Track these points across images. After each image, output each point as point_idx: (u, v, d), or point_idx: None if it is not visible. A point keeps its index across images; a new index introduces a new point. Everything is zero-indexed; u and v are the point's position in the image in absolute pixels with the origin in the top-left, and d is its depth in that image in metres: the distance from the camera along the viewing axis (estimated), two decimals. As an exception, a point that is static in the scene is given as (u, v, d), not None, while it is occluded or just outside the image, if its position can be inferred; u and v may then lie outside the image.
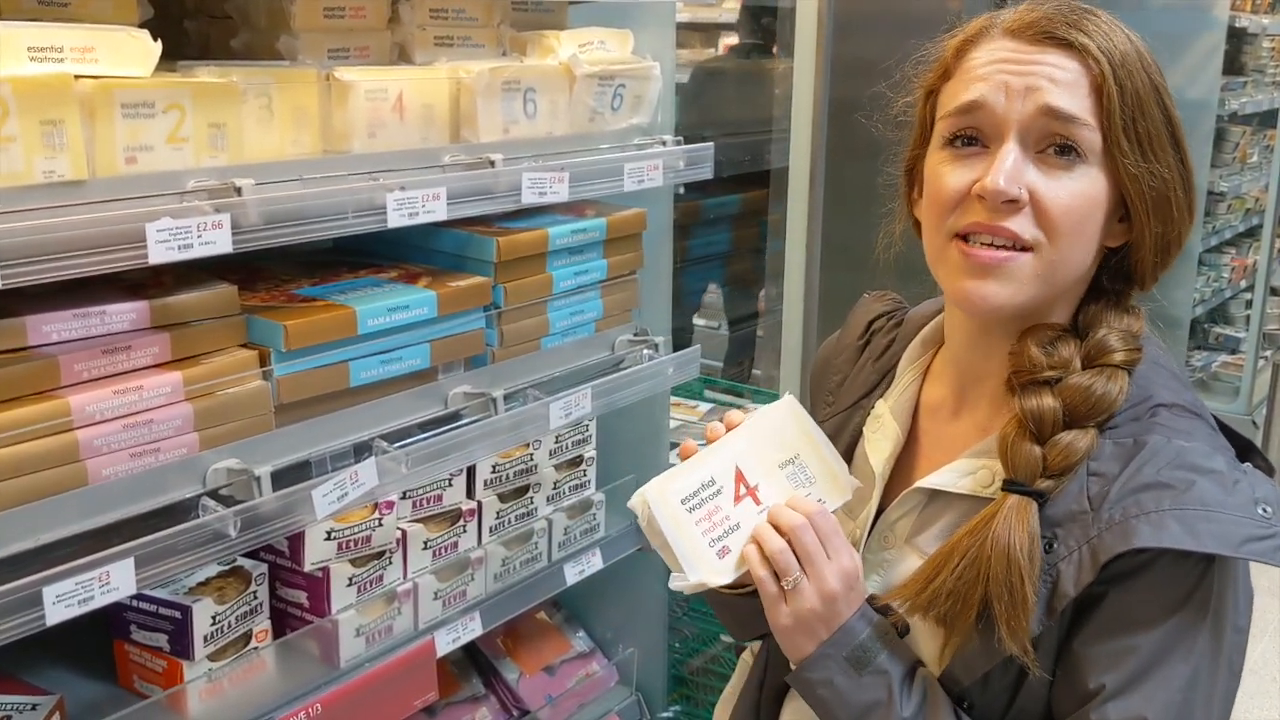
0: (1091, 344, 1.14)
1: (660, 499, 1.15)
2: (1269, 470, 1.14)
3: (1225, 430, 1.19)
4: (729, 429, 1.21)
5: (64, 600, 1.33)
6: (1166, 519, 1.04)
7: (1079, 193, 1.08)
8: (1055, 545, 1.09)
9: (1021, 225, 1.08)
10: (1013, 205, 1.07)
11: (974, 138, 1.11)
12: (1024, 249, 1.09)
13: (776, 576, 1.13)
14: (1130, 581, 1.07)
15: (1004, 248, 1.09)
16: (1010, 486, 1.11)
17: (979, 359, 1.22)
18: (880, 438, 1.29)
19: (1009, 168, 1.07)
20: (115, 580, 1.37)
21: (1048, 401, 1.11)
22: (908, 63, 1.22)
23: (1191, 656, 1.06)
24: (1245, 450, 1.17)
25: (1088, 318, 1.17)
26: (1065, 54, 1.08)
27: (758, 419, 1.21)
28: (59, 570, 1.32)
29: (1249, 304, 5.58)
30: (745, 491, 1.18)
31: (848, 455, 1.33)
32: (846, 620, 1.13)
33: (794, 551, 1.12)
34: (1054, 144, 1.08)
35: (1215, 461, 1.09)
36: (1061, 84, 1.07)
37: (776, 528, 1.14)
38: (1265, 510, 1.05)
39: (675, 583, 1.16)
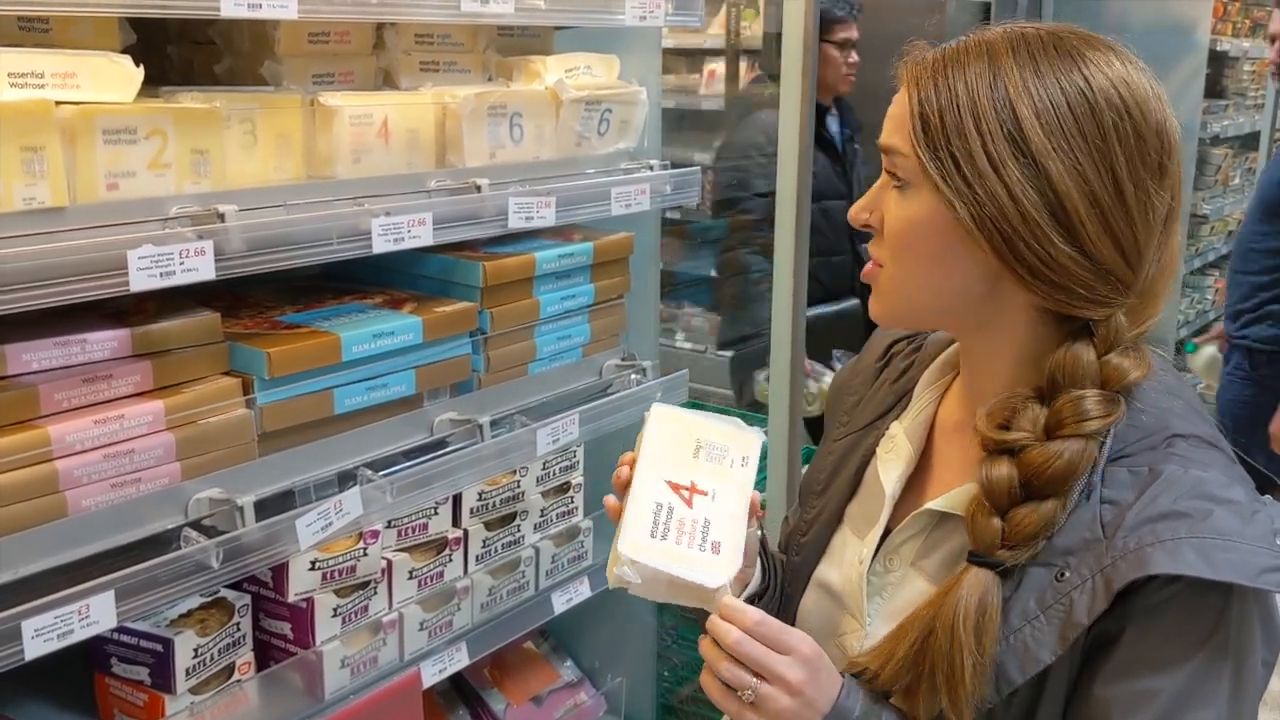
0: (1064, 405, 1.11)
1: (635, 549, 1.16)
2: None
3: (1244, 465, 1.17)
4: (631, 464, 1.25)
5: (43, 634, 1.31)
6: (1183, 547, 1.02)
7: (904, 215, 1.14)
8: (1067, 574, 1.07)
9: (874, 247, 1.20)
10: (870, 229, 1.19)
11: None
12: (880, 266, 1.19)
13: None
14: (1148, 619, 1.05)
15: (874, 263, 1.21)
16: (972, 558, 1.11)
17: (984, 384, 1.21)
18: (893, 457, 1.29)
19: (863, 199, 1.20)
20: (95, 613, 1.35)
21: (1003, 472, 1.10)
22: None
23: (1215, 701, 1.04)
24: (1265, 486, 1.16)
25: (1055, 369, 1.12)
26: (902, 92, 1.16)
27: (649, 437, 1.26)
28: (38, 604, 1.30)
29: (1233, 325, 5.59)
30: (689, 493, 1.22)
31: (859, 475, 1.33)
32: (837, 702, 1.12)
33: (744, 663, 1.11)
34: (889, 172, 1.16)
35: (1233, 492, 1.07)
36: (892, 118, 1.16)
37: (723, 645, 1.12)
38: None
39: (717, 588, 1.16)
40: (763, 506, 1.33)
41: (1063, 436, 1.09)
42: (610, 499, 1.27)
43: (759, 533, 1.33)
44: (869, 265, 1.20)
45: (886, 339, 1.44)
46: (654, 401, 2.10)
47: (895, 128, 1.14)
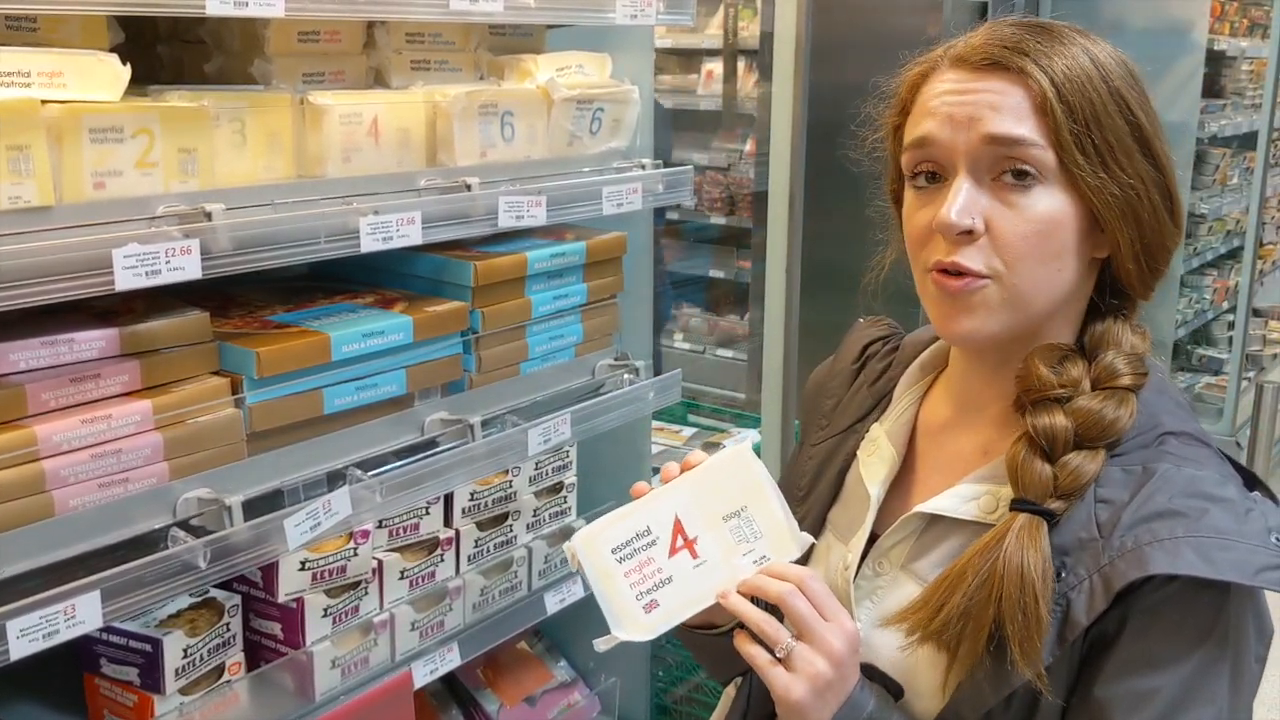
0: (1101, 366, 1.12)
1: (589, 548, 1.12)
2: (1275, 500, 1.13)
3: (1229, 462, 1.17)
4: (684, 470, 1.18)
5: (28, 634, 1.30)
6: (1181, 546, 1.02)
7: (1035, 216, 1.07)
8: (1064, 574, 1.06)
9: (977, 257, 1.08)
10: (968, 237, 1.08)
11: (934, 172, 1.12)
12: (985, 276, 1.09)
13: (769, 649, 1.10)
14: (1146, 619, 1.05)
15: (970, 275, 1.09)
16: (1020, 505, 1.09)
17: (981, 383, 1.20)
18: (876, 460, 1.27)
19: (959, 201, 1.07)
20: (81, 613, 1.34)
21: (1060, 420, 1.09)
22: (869, 101, 1.22)
23: (1215, 698, 1.04)
24: (1250, 482, 1.16)
25: (1094, 337, 1.15)
26: (1005, 78, 1.08)
27: (707, 467, 1.17)
28: (23, 604, 1.30)
29: (1231, 325, 5.60)
30: (683, 543, 1.13)
31: (840, 479, 1.31)
32: (851, 695, 1.10)
33: (788, 618, 1.10)
34: (1007, 169, 1.07)
35: (1227, 490, 1.07)
36: (1003, 109, 1.07)
37: (765, 597, 1.11)
38: (1278, 539, 1.04)
39: (599, 643, 1.13)
40: None
41: (1110, 389, 1.11)
42: (641, 484, 1.20)
43: None
44: (962, 280, 1.08)
45: (862, 340, 1.42)
46: (647, 397, 2.11)
47: (1014, 116, 1.06)
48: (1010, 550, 1.05)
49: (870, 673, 1.16)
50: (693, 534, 1.14)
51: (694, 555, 1.14)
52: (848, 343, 1.44)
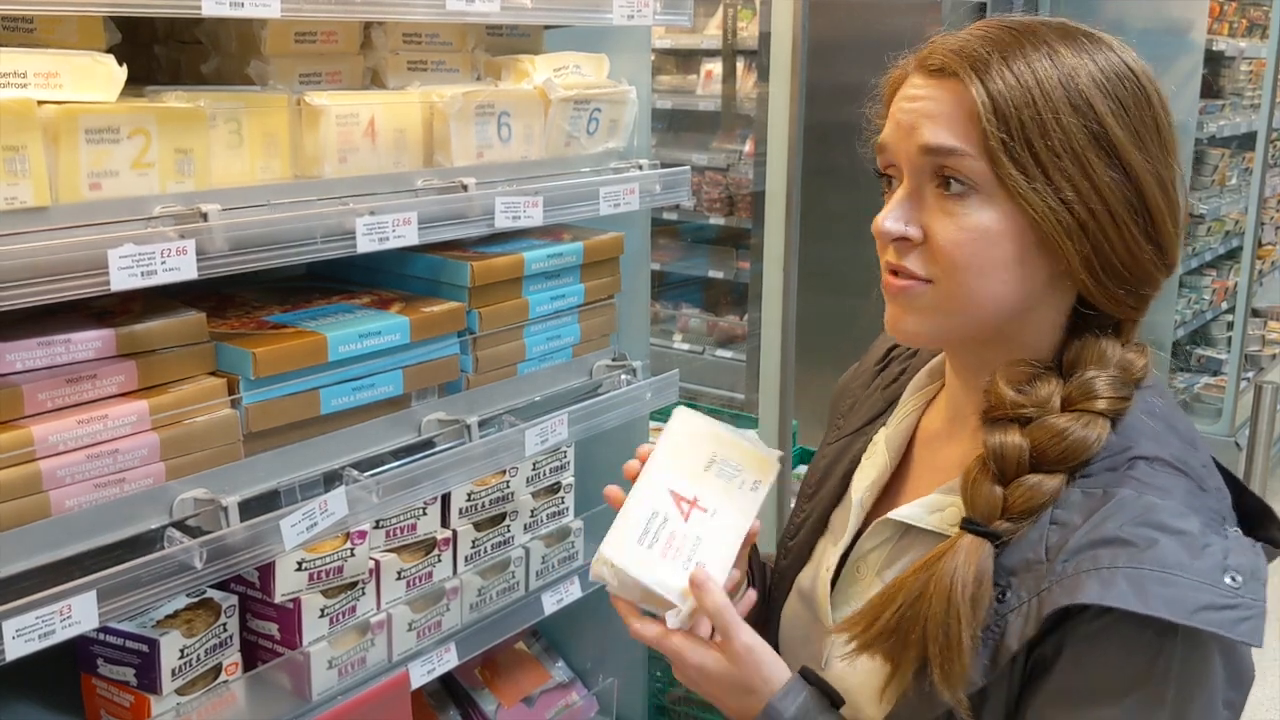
0: (1075, 385, 1.08)
1: (620, 552, 1.16)
2: (1274, 540, 1.08)
3: (1243, 493, 1.12)
4: (643, 460, 1.22)
5: (24, 634, 1.30)
6: (1118, 576, 0.97)
7: (970, 225, 1.04)
8: (1008, 595, 1.03)
9: (916, 262, 1.08)
10: (906, 243, 1.08)
11: (895, 176, 1.11)
12: (926, 280, 1.08)
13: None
14: (1082, 648, 1.01)
15: (911, 277, 1.09)
16: (967, 525, 1.06)
17: (965, 393, 1.19)
18: (869, 465, 1.27)
19: (893, 209, 1.08)
20: (77, 614, 1.34)
21: (1013, 439, 1.06)
22: (867, 102, 1.20)
23: None
24: (1261, 515, 1.11)
25: (1072, 354, 1.11)
26: (947, 85, 1.05)
27: (665, 439, 1.23)
28: (19, 604, 1.30)
29: (1230, 325, 5.61)
30: (689, 506, 1.20)
31: (845, 482, 1.31)
32: (769, 701, 1.11)
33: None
34: (943, 177, 1.06)
35: (1187, 522, 1.01)
36: (938, 117, 1.05)
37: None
38: (1234, 579, 0.97)
39: (673, 619, 1.16)
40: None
41: (1080, 410, 1.06)
42: (614, 489, 1.23)
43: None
44: (902, 280, 1.09)
45: (888, 341, 1.40)
46: (644, 397, 2.10)
47: (947, 126, 1.04)
48: (943, 570, 1.04)
49: (810, 677, 1.15)
50: (691, 495, 1.21)
51: (704, 510, 1.20)
52: (876, 344, 1.43)
